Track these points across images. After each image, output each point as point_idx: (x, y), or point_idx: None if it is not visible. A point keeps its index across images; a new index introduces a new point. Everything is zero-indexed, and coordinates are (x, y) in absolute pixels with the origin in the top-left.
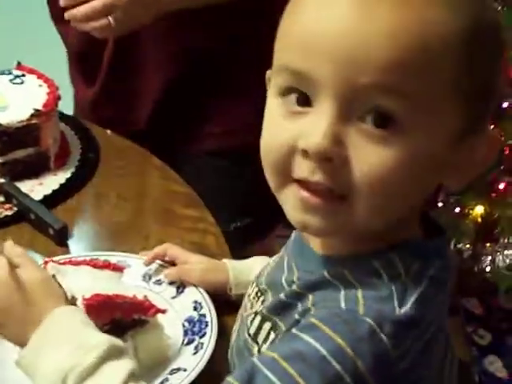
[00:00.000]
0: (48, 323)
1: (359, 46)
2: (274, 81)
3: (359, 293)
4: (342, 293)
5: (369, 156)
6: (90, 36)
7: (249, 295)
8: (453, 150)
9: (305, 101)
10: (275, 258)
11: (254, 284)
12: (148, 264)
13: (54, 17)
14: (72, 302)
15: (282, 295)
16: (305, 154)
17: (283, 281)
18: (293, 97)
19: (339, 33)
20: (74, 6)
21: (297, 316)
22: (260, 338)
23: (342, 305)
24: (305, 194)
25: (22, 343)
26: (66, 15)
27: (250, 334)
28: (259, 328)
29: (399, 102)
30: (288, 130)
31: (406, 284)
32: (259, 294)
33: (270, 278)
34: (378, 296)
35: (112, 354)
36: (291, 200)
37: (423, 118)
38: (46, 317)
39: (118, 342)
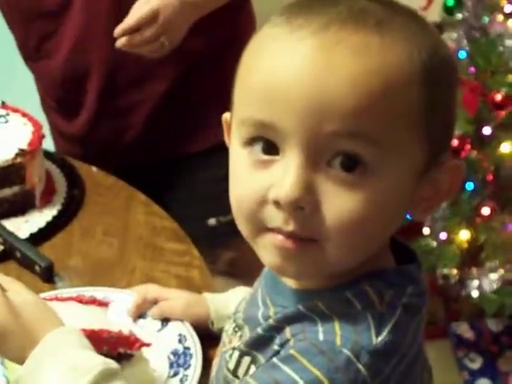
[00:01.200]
0: (43, 345)
1: (321, 95)
2: (238, 132)
3: (336, 324)
4: (319, 324)
5: (339, 201)
6: (78, 63)
7: (226, 331)
8: (417, 184)
9: (271, 149)
10: (249, 292)
11: (232, 320)
12: (135, 318)
13: (26, 56)
14: None
15: (259, 329)
16: (276, 204)
17: (259, 316)
18: (259, 146)
19: (299, 82)
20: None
21: (276, 347)
22: (240, 373)
23: (320, 336)
24: (280, 240)
25: (21, 362)
26: (119, 44)
27: (229, 370)
28: (238, 363)
29: (365, 146)
30: (257, 180)
31: (381, 313)
32: (236, 330)
33: (246, 314)
34: (354, 326)
35: (104, 378)
36: (268, 247)
37: (390, 158)
38: (41, 338)
39: (111, 364)
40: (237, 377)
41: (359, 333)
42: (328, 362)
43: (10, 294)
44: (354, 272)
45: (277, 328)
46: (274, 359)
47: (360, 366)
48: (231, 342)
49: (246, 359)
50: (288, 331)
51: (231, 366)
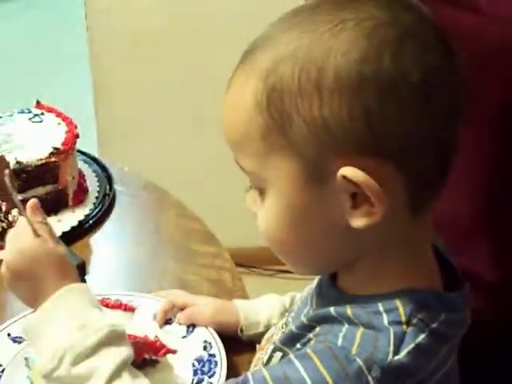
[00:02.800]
0: (57, 298)
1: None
2: None
3: (359, 332)
4: (344, 329)
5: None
6: None
7: (277, 327)
8: (320, 194)
9: None
10: (307, 290)
11: (286, 315)
12: (162, 324)
13: None
14: None
15: (293, 327)
16: None
17: (302, 315)
18: None
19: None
20: None
21: (299, 345)
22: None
23: (339, 341)
24: None
25: (31, 307)
26: None
27: (263, 362)
28: (270, 357)
29: (246, 171)
30: None
31: (404, 333)
32: (284, 326)
33: (296, 312)
34: (375, 339)
35: (111, 340)
36: None
37: (264, 175)
38: (56, 291)
39: (119, 327)
40: None
41: (377, 346)
42: (339, 367)
43: (40, 240)
44: (392, 284)
45: (308, 327)
46: (291, 355)
47: (370, 379)
48: (277, 336)
49: (278, 354)
50: (317, 331)
51: (265, 359)
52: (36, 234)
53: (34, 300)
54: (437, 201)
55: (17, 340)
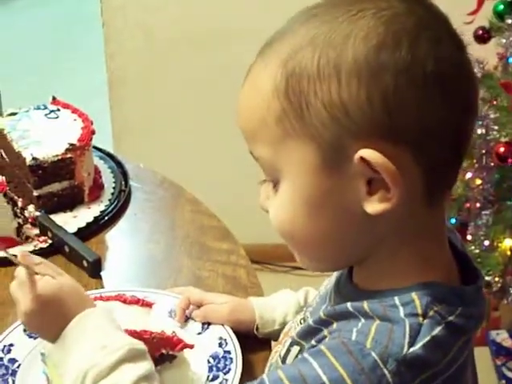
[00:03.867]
0: (77, 323)
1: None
2: None
3: (374, 325)
4: (360, 323)
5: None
6: None
7: (295, 321)
8: (335, 181)
9: None
10: (325, 285)
11: (304, 310)
12: (182, 322)
13: None
14: None
15: (310, 321)
16: None
17: (321, 311)
18: None
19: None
20: None
21: (313, 342)
22: (288, 360)
23: (353, 336)
24: None
25: (51, 338)
26: None
27: (280, 356)
28: (288, 351)
29: (260, 161)
30: None
31: (420, 325)
32: (302, 321)
33: (314, 308)
34: (390, 331)
35: (131, 357)
36: None
37: (278, 164)
38: (76, 316)
39: (138, 345)
40: (285, 363)
41: (393, 338)
42: (354, 362)
43: (46, 281)
44: (408, 278)
45: (325, 322)
46: (305, 353)
47: (386, 372)
48: (295, 331)
49: (295, 348)
50: (334, 326)
51: (282, 352)
52: (34, 279)
53: (52, 336)
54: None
55: (32, 336)
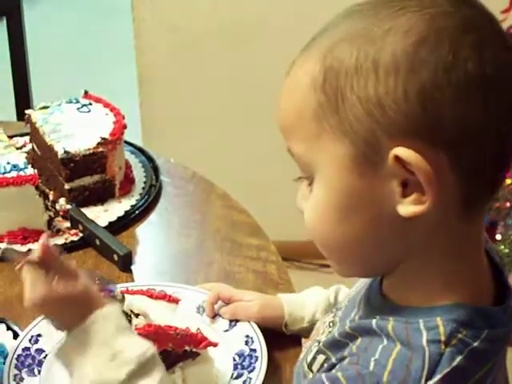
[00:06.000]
0: (81, 331)
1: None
2: None
3: (393, 354)
4: (380, 348)
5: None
6: None
7: (324, 322)
8: (354, 176)
9: None
10: (357, 286)
11: (333, 313)
12: (211, 317)
13: None
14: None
15: (336, 333)
16: None
17: (348, 320)
18: None
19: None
20: None
21: (334, 360)
22: (315, 367)
23: (371, 366)
24: None
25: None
26: None
27: (306, 361)
28: (314, 358)
29: (296, 158)
30: None
31: (442, 354)
32: (331, 325)
33: (343, 313)
34: (409, 361)
35: (141, 368)
36: None
37: (314, 161)
38: (88, 317)
39: (148, 351)
40: (311, 370)
41: (410, 370)
42: None
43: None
44: (436, 295)
45: (350, 336)
46: (323, 375)
47: None
48: (323, 334)
49: (321, 357)
50: (358, 342)
51: (309, 358)
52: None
53: (63, 327)
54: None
55: None
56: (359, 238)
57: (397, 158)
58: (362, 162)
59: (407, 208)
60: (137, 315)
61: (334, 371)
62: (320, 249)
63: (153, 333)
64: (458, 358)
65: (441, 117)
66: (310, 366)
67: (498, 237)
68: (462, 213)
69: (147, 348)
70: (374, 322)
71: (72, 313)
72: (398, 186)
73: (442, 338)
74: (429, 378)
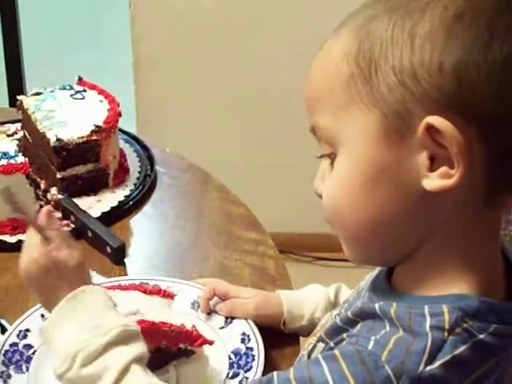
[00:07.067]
0: (71, 299)
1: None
2: None
3: (394, 337)
4: (383, 331)
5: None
6: None
7: (332, 314)
8: (381, 147)
9: None
10: (366, 279)
11: (340, 307)
12: (206, 313)
13: None
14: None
15: (337, 319)
16: None
17: (353, 307)
18: None
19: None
20: None
21: (332, 344)
22: (314, 356)
23: (370, 345)
24: None
25: (47, 309)
26: None
27: (307, 350)
28: (314, 347)
29: (321, 133)
30: None
31: (444, 341)
32: (337, 317)
33: (349, 304)
34: (410, 344)
35: (123, 339)
36: None
37: (340, 134)
38: (69, 293)
39: (131, 327)
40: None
41: (410, 353)
42: (366, 373)
43: (49, 250)
44: (445, 286)
45: (351, 321)
46: (319, 355)
47: None
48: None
49: (320, 345)
50: (358, 327)
51: (309, 348)
52: (48, 242)
53: (47, 304)
54: None
55: None
56: (381, 216)
57: (428, 129)
58: (390, 133)
59: (434, 182)
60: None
61: (331, 351)
62: (338, 231)
63: (146, 329)
64: (462, 348)
65: (475, 92)
66: (309, 354)
67: None
68: (484, 199)
69: (132, 324)
70: (377, 306)
71: (61, 285)
72: (426, 159)
73: (446, 326)
74: (428, 363)
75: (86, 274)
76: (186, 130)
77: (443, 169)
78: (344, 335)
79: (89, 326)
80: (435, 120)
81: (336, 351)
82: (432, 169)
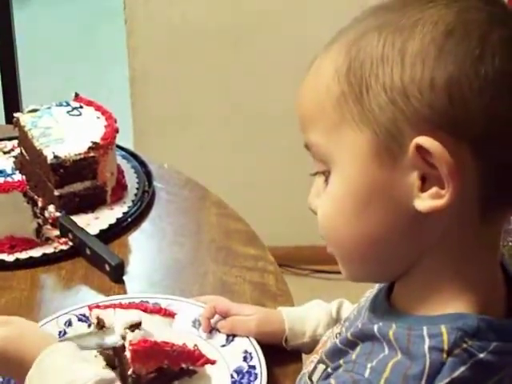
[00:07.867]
0: (41, 360)
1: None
2: None
3: (391, 362)
4: (382, 355)
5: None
6: None
7: (334, 332)
8: (373, 166)
9: None
10: (366, 296)
11: (341, 323)
12: (207, 332)
13: None
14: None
15: (337, 341)
16: None
17: (353, 327)
18: None
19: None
20: None
21: (329, 370)
22: (315, 378)
23: (367, 373)
24: None
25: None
26: None
27: (308, 371)
28: (315, 368)
29: (314, 150)
30: None
31: (442, 363)
32: (338, 336)
33: (350, 323)
34: (407, 369)
35: None
36: None
37: (332, 153)
38: (40, 353)
39: (107, 376)
40: (311, 381)
41: (407, 378)
42: None
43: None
44: (443, 305)
45: (351, 343)
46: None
47: None
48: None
49: (321, 366)
50: (357, 350)
51: (310, 368)
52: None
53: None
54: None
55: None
56: (375, 234)
57: (418, 149)
58: (382, 152)
59: (425, 202)
60: (132, 329)
61: (328, 380)
62: (333, 249)
63: (149, 348)
64: (461, 369)
65: (466, 109)
66: (310, 376)
67: None
68: (480, 215)
69: (107, 372)
70: (376, 327)
71: (23, 354)
72: (417, 179)
73: (445, 347)
74: None
75: (43, 333)
76: (183, 143)
77: (434, 189)
78: (341, 361)
79: (66, 382)
80: (425, 141)
81: (332, 380)
82: (423, 189)
